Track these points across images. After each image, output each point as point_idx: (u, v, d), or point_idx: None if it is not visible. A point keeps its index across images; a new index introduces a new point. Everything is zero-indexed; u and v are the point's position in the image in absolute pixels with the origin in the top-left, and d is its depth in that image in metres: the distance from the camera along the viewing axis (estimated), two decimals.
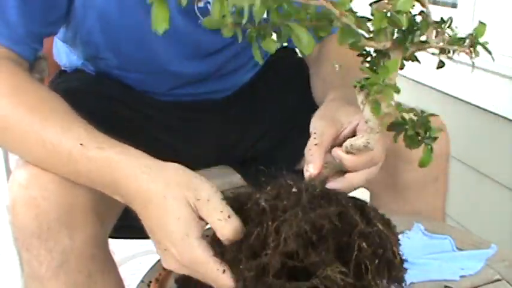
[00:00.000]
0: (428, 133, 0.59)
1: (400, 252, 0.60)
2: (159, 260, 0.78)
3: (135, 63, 0.92)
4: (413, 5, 0.52)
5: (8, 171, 1.15)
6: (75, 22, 0.88)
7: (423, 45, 0.55)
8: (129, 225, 0.85)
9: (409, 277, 0.66)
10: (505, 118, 1.47)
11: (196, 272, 0.60)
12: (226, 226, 0.59)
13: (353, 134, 0.68)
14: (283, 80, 1.06)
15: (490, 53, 0.54)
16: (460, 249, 0.82)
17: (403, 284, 0.62)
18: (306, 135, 0.97)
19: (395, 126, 0.60)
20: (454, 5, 1.65)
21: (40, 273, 0.69)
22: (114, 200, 0.79)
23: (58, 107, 0.71)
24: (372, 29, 0.53)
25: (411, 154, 0.91)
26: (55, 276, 0.69)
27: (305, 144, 1.03)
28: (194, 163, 0.74)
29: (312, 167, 0.65)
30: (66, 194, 0.68)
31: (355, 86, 0.57)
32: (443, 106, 1.60)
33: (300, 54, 1.12)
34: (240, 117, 1.02)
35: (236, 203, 0.62)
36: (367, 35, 0.55)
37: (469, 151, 1.58)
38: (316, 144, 0.67)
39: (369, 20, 0.53)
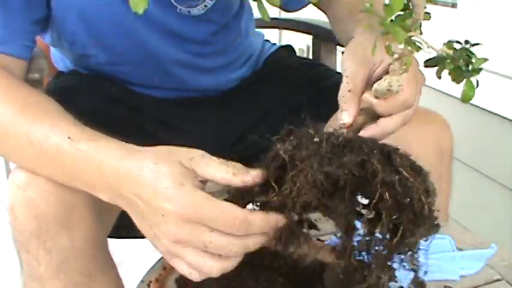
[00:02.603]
0: (470, 65, 0.55)
1: (430, 201, 0.55)
2: (159, 260, 0.78)
3: (122, 55, 0.92)
4: None
5: (8, 172, 1.15)
6: (57, 24, 0.88)
7: None
8: (129, 225, 0.85)
9: (409, 277, 0.65)
10: (505, 118, 1.47)
11: (201, 219, 0.55)
12: (230, 166, 0.58)
13: (386, 74, 0.65)
14: (283, 79, 1.06)
15: None
16: (460, 249, 0.82)
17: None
18: None
19: (435, 61, 0.57)
20: (454, 5, 1.65)
21: (39, 273, 0.69)
22: None
23: (48, 108, 0.70)
24: None
25: (416, 151, 0.91)
26: (54, 276, 0.69)
27: None
28: None
29: (346, 116, 0.63)
30: (64, 195, 0.68)
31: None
32: (445, 107, 1.60)
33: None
34: (240, 116, 1.02)
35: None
36: None
37: (470, 151, 1.58)
38: (349, 90, 0.64)
39: None
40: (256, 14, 1.15)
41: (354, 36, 0.77)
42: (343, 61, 0.68)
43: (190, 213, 0.56)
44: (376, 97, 0.62)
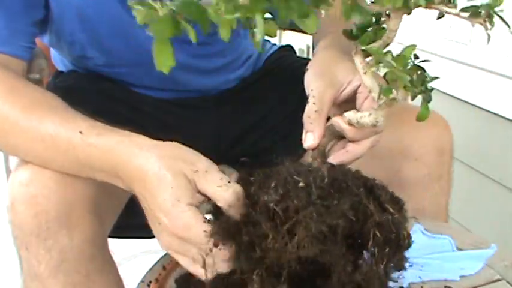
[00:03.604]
0: (424, 86, 0.55)
1: (410, 235, 0.58)
2: (159, 260, 0.78)
3: (120, 57, 0.92)
4: None
5: (8, 171, 1.15)
6: (56, 25, 0.88)
7: (427, 3, 0.51)
8: (129, 225, 0.85)
9: (409, 277, 0.66)
10: (505, 118, 1.47)
11: (188, 239, 0.58)
12: (228, 190, 0.58)
13: (353, 95, 0.66)
14: (283, 79, 1.06)
15: (506, 24, 0.52)
16: (460, 249, 0.82)
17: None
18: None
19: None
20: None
21: (39, 272, 0.69)
22: (114, 200, 0.79)
23: (55, 104, 0.71)
24: None
25: (416, 151, 0.92)
26: (54, 275, 0.69)
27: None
28: None
29: (311, 137, 0.63)
30: (66, 193, 0.68)
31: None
32: (444, 106, 1.60)
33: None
34: (239, 116, 1.02)
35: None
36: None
37: (470, 151, 1.58)
38: (316, 111, 0.64)
39: None
40: None
41: (318, 49, 0.77)
42: (309, 80, 0.68)
43: (180, 232, 0.58)
44: (350, 124, 0.62)
